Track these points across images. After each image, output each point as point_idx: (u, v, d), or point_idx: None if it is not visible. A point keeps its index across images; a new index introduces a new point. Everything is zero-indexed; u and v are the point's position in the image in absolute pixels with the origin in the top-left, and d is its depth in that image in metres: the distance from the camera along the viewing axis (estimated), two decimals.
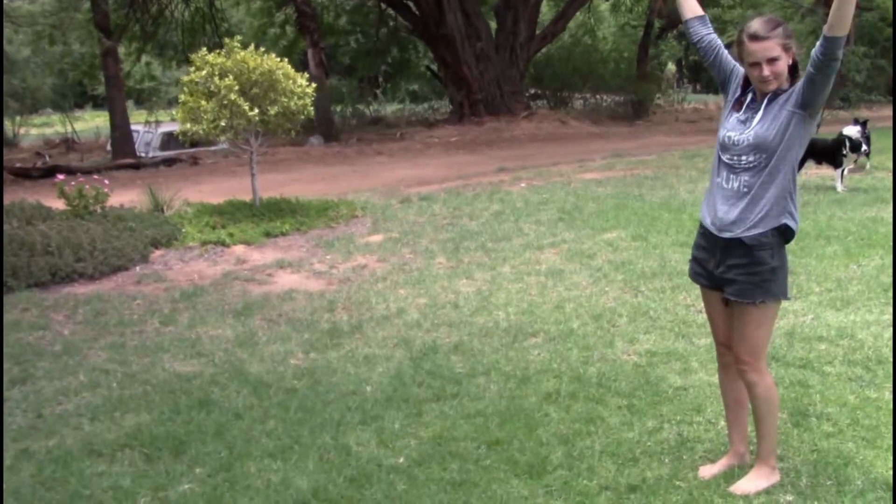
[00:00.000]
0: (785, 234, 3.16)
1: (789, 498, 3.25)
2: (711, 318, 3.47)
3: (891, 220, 8.09)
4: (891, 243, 7.07)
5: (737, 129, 3.18)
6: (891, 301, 5.58)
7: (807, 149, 10.93)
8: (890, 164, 11.94)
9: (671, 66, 41.13)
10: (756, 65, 3.08)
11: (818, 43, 2.92)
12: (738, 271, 3.18)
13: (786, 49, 3.08)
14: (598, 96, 29.98)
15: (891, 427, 3.77)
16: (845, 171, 10.20)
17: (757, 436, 3.39)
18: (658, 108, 29.07)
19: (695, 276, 3.44)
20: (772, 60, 3.06)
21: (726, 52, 3.40)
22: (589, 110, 28.23)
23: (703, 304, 3.56)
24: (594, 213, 9.23)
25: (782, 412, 3.94)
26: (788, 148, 3.10)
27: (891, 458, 3.50)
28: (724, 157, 3.22)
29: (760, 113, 3.13)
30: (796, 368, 4.50)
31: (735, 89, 3.29)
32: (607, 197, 10.26)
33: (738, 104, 3.24)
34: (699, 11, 3.43)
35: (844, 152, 9.99)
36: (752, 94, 3.18)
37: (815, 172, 11.03)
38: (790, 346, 4.83)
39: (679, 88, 37.20)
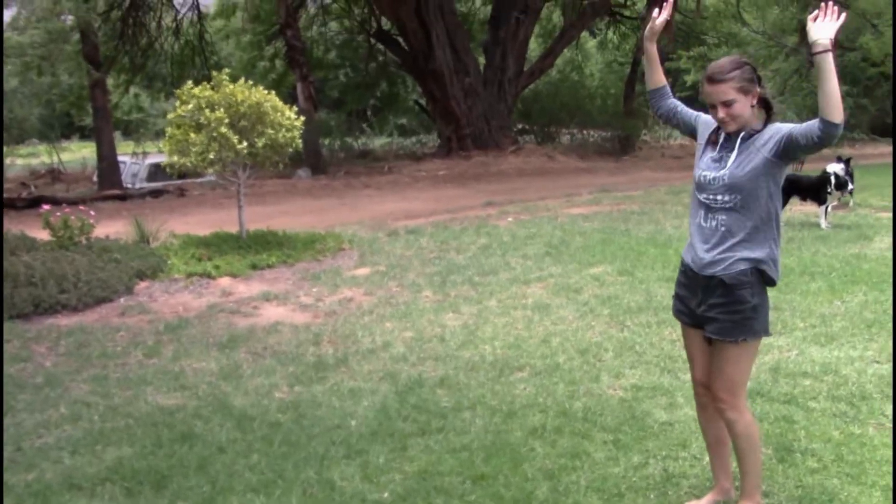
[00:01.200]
0: (762, 275, 3.16)
1: None
2: (691, 356, 3.47)
3: (874, 256, 8.15)
4: (874, 280, 7.12)
5: (711, 168, 3.20)
6: (874, 337, 5.60)
7: (791, 185, 10.94)
8: (874, 202, 12.07)
9: None
10: (714, 106, 3.14)
11: (818, 124, 2.92)
12: (719, 310, 3.18)
13: (744, 91, 3.09)
14: (585, 132, 30.25)
15: (875, 463, 3.77)
16: (829, 209, 10.29)
17: (740, 472, 3.39)
18: (644, 143, 29.34)
19: (677, 313, 3.45)
20: (727, 103, 3.10)
21: (683, 106, 3.49)
22: (576, 145, 28.47)
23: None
24: (581, 247, 9.27)
25: (767, 448, 3.94)
26: (764, 188, 3.11)
27: (875, 494, 3.50)
28: (701, 197, 3.24)
29: (735, 153, 3.15)
30: (781, 404, 4.50)
31: (704, 132, 3.33)
32: (594, 231, 10.30)
33: (712, 143, 3.26)
34: (661, 83, 3.51)
35: (829, 189, 10.08)
36: (726, 133, 3.21)
37: (799, 209, 11.12)
38: (775, 382, 4.84)
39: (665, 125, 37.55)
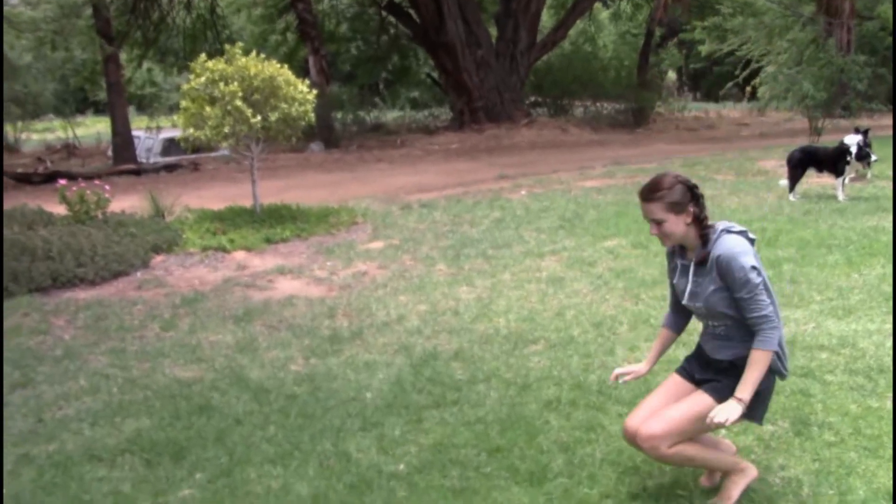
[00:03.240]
0: (770, 364, 3.12)
1: None
2: (660, 392, 3.35)
3: (892, 228, 8.09)
4: (892, 252, 7.07)
5: (686, 297, 3.24)
6: (892, 310, 5.57)
7: (808, 157, 10.82)
8: (890, 173, 11.95)
9: (672, 75, 41.12)
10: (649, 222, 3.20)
11: (751, 326, 3.05)
12: (722, 375, 3.19)
13: (675, 211, 3.11)
14: (598, 104, 30.00)
15: (892, 437, 3.76)
16: (846, 181, 10.20)
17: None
18: (658, 116, 29.06)
19: (680, 369, 3.39)
20: (657, 221, 3.13)
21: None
22: (589, 118, 28.24)
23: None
24: (595, 220, 9.23)
25: (784, 421, 3.94)
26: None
27: (892, 467, 3.49)
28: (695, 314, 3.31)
29: (690, 280, 3.20)
30: (798, 377, 4.49)
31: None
32: (608, 205, 10.26)
33: (672, 269, 3.35)
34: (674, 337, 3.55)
35: (848, 160, 9.97)
36: (681, 256, 3.27)
37: (815, 181, 11.04)
38: (791, 355, 4.81)
39: (679, 97, 37.14)
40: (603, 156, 17.14)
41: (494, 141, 22.67)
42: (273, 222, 9.43)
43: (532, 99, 30.37)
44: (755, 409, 3.14)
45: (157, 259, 8.22)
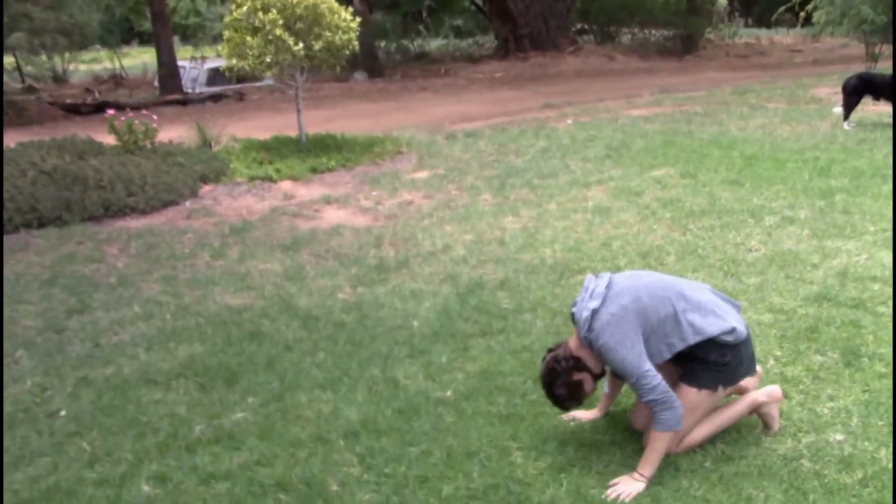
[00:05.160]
0: (715, 340, 3.08)
1: (839, 437, 3.23)
2: None
3: None
4: None
5: None
6: None
7: (864, 84, 10.50)
8: None
9: (722, 0, 39.84)
10: None
11: (651, 409, 3.03)
12: (689, 363, 3.15)
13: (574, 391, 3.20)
14: (646, 31, 29.18)
15: None
16: None
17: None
18: (708, 42, 28.23)
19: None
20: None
21: None
22: (637, 45, 27.54)
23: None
24: (642, 149, 9.10)
25: (833, 352, 3.91)
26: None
27: None
28: None
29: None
30: (849, 308, 4.43)
31: None
32: (655, 133, 10.08)
33: None
34: None
35: None
36: None
37: (872, 109, 10.71)
38: (842, 286, 4.75)
39: (730, 22, 35.99)
40: (651, 84, 16.79)
41: (540, 69, 22.30)
42: (318, 152, 9.46)
43: (578, 26, 29.66)
44: (718, 379, 3.13)
45: (206, 188, 8.31)
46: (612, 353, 3.01)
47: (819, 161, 7.76)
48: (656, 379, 2.99)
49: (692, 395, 3.11)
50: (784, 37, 31.87)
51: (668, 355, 3.10)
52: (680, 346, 3.07)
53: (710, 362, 3.11)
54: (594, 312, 3.05)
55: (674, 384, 3.13)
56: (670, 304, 3.07)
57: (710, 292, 3.25)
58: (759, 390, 3.36)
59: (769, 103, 12.10)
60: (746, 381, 3.42)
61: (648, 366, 2.99)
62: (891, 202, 6.40)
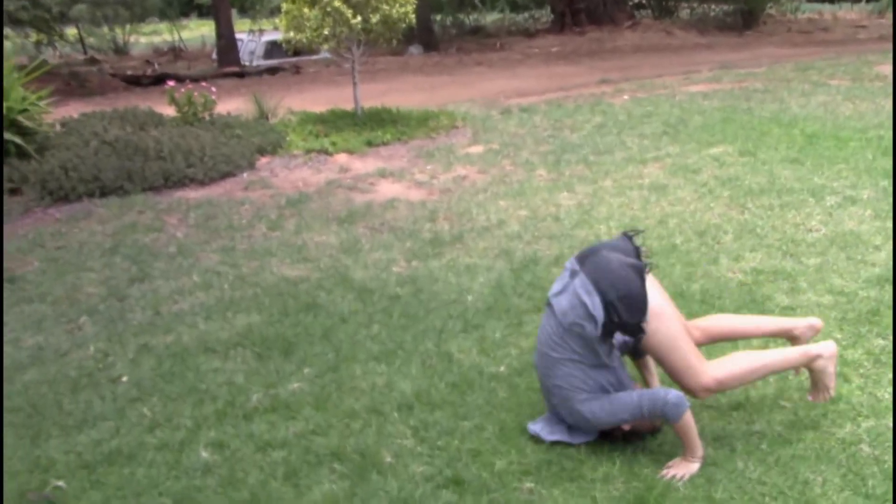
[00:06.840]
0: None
1: None
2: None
3: None
4: None
5: None
6: None
7: None
8: None
9: None
10: None
11: None
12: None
13: None
14: (705, 5, 28.57)
15: None
16: None
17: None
18: (769, 17, 27.52)
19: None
20: None
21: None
22: (695, 20, 26.99)
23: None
24: (700, 126, 8.94)
25: None
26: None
27: None
28: None
29: None
30: None
31: None
32: (714, 110, 9.90)
33: None
34: None
35: None
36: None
37: None
38: None
39: None
40: (709, 59, 16.46)
41: (596, 44, 22.00)
42: (374, 125, 9.49)
43: (635, 0, 29.20)
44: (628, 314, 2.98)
45: (263, 160, 8.41)
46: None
47: (883, 140, 7.55)
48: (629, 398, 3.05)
49: (652, 339, 3.04)
50: (848, 12, 30.93)
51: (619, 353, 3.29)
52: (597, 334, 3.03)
53: (617, 323, 2.99)
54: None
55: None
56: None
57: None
58: (814, 344, 3.29)
59: (832, 80, 11.78)
60: (801, 330, 3.37)
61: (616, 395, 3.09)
62: None
